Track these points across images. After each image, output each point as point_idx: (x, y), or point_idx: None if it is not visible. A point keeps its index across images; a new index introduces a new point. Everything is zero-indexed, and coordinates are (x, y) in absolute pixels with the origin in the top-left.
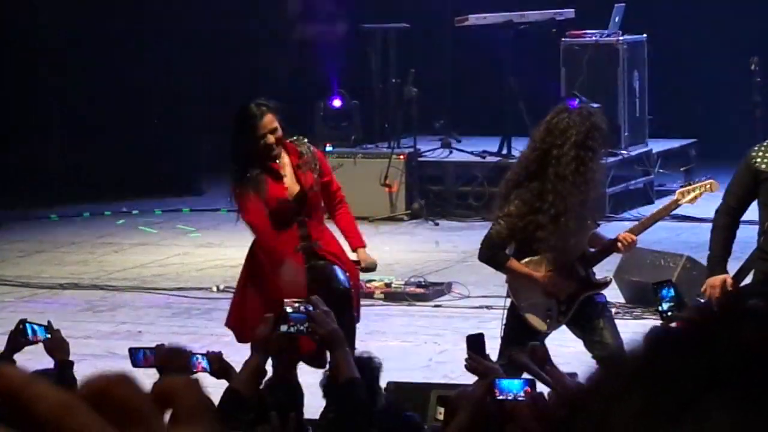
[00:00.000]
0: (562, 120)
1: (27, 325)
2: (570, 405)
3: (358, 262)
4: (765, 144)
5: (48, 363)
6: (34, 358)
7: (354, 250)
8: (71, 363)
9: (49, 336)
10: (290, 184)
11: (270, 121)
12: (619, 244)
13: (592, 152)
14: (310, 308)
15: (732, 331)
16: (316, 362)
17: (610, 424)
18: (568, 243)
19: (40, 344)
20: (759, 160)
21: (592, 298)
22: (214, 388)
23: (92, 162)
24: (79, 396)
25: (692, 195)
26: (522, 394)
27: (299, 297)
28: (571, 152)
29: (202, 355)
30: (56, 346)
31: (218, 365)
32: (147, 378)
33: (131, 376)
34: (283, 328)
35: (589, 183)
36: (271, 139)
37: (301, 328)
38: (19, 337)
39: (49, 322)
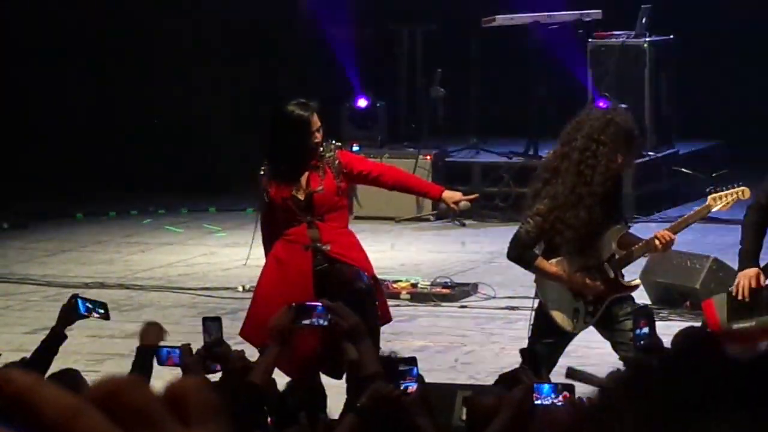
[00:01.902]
0: (581, 116)
1: (78, 300)
2: (583, 405)
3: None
4: None
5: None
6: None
7: (439, 198)
8: (155, 348)
9: (103, 312)
10: (302, 185)
11: (316, 119)
12: (657, 242)
13: (602, 146)
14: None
15: (723, 353)
16: (333, 373)
17: (618, 426)
18: (580, 235)
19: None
20: None
21: (621, 299)
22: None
23: (118, 161)
24: (88, 399)
25: (724, 202)
26: (561, 399)
27: (305, 299)
28: (581, 146)
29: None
30: (148, 331)
31: (241, 363)
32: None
33: (142, 379)
34: (305, 321)
35: (598, 176)
36: (318, 137)
37: (322, 321)
38: (71, 312)
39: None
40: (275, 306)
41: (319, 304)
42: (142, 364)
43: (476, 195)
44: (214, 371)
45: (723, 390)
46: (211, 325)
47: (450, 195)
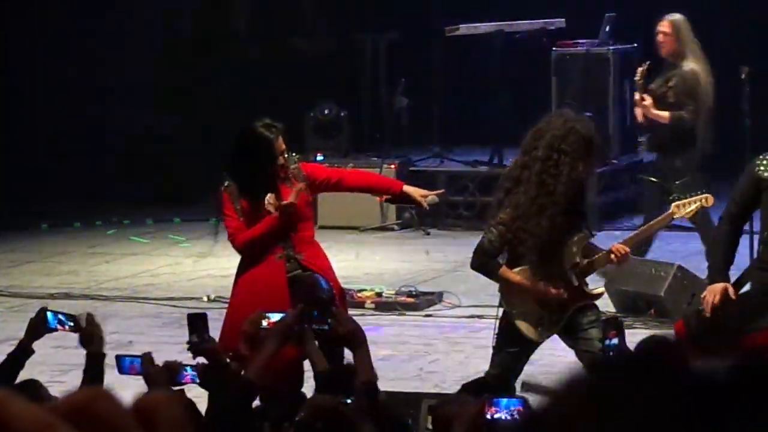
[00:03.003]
0: (542, 124)
1: (48, 313)
2: (532, 414)
3: (413, 201)
4: None
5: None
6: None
7: (401, 192)
8: (103, 356)
9: (72, 324)
10: (273, 198)
11: (281, 143)
12: (613, 256)
13: (564, 155)
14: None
15: (681, 360)
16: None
17: None
18: (541, 243)
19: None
20: (762, 168)
21: (585, 307)
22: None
23: (82, 172)
24: (58, 412)
25: (688, 209)
26: (516, 411)
27: (282, 308)
28: (543, 155)
29: (191, 366)
30: (89, 338)
31: (207, 376)
32: (138, 387)
33: (112, 392)
34: (306, 324)
35: (560, 186)
36: (282, 160)
37: (323, 326)
38: (40, 325)
39: (89, 314)
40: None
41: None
42: (94, 371)
43: (443, 190)
44: (181, 383)
45: (677, 403)
46: (196, 321)
47: (413, 189)
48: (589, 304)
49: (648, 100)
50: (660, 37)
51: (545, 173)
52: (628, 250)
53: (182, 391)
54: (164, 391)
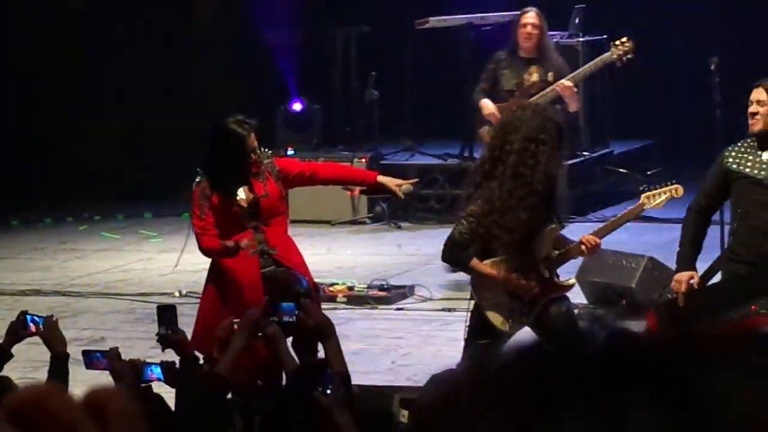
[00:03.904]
0: (515, 117)
1: (27, 316)
2: (426, 416)
3: (387, 190)
4: (738, 144)
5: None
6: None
7: (375, 182)
8: (67, 355)
9: (42, 327)
10: (245, 192)
11: (253, 140)
12: (583, 247)
13: (542, 145)
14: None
15: (581, 343)
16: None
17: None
18: (520, 238)
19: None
20: (731, 160)
21: (556, 299)
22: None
23: (53, 168)
24: (4, 410)
25: (658, 200)
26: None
27: (256, 303)
28: (519, 147)
29: (156, 364)
30: (52, 337)
31: (173, 374)
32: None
33: (61, 388)
34: (274, 318)
35: (538, 175)
36: (254, 157)
37: (290, 318)
38: (20, 329)
39: (52, 316)
40: (224, 313)
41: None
42: (58, 371)
43: (417, 180)
44: (147, 381)
45: (581, 381)
46: (166, 312)
47: (388, 179)
48: (560, 296)
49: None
50: (529, 29)
51: (522, 165)
52: (598, 241)
53: (149, 387)
54: (129, 384)
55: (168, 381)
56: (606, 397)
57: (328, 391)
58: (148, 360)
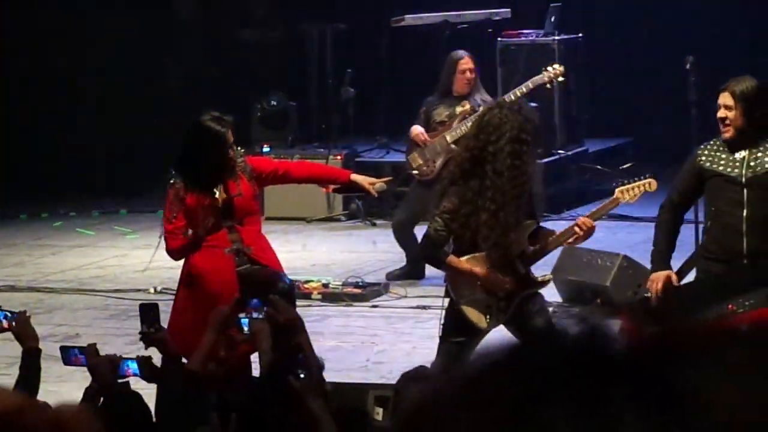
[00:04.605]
0: (495, 116)
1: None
2: (408, 418)
3: (361, 189)
4: (711, 142)
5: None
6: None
7: (349, 181)
8: (39, 351)
9: (14, 323)
10: (219, 191)
11: (230, 135)
12: (577, 228)
13: (526, 145)
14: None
15: (563, 345)
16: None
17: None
18: (508, 238)
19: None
20: (704, 158)
21: (531, 297)
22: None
23: (28, 164)
24: None
25: (632, 194)
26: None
27: (232, 302)
28: (507, 147)
29: (132, 359)
30: (23, 333)
31: (149, 369)
32: (87, 379)
33: (28, 405)
34: (241, 314)
35: (525, 176)
36: (232, 153)
37: (258, 315)
38: None
39: (26, 312)
40: (199, 312)
41: (256, 299)
42: (30, 367)
43: (390, 178)
44: (123, 376)
45: (564, 382)
46: (148, 311)
47: (361, 177)
48: (534, 293)
49: None
50: (468, 75)
51: (512, 165)
52: (593, 224)
53: (127, 383)
54: (107, 381)
55: (144, 376)
56: (590, 395)
57: (302, 376)
58: (124, 356)
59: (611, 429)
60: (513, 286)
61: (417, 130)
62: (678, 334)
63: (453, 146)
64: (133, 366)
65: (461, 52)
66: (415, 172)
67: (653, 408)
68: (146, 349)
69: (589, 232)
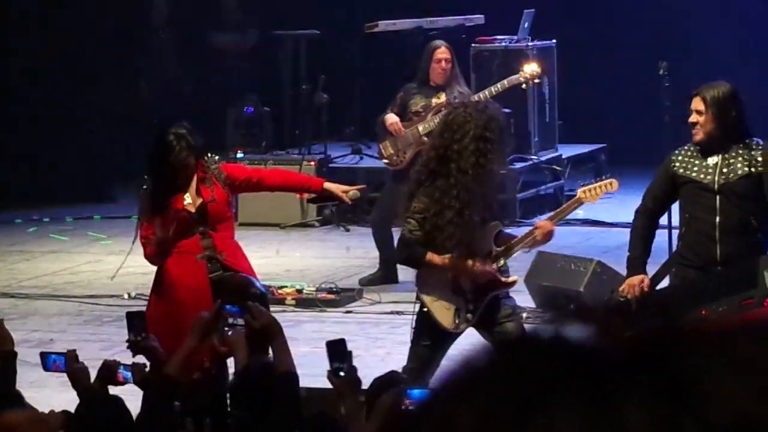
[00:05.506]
0: (459, 115)
1: None
2: (416, 409)
3: (335, 197)
4: (685, 148)
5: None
6: None
7: (322, 189)
8: (14, 354)
9: None
10: (192, 197)
11: (181, 152)
12: (538, 231)
13: (491, 144)
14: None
15: (575, 334)
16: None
17: (454, 428)
18: (473, 237)
19: None
20: (678, 164)
21: (502, 301)
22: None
23: (0, 170)
24: None
25: (593, 194)
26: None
27: (204, 309)
28: (470, 145)
29: (125, 365)
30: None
31: (141, 376)
32: (62, 385)
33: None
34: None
35: (490, 174)
36: (186, 162)
37: (235, 321)
38: None
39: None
40: (171, 318)
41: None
42: (6, 370)
43: (364, 186)
44: (120, 382)
45: (574, 373)
46: (135, 319)
47: (334, 186)
48: (505, 296)
49: None
50: (443, 65)
51: (476, 164)
52: (553, 227)
53: (107, 388)
54: (86, 386)
55: (137, 383)
56: (597, 392)
57: (341, 373)
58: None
59: (617, 419)
60: (481, 287)
61: (392, 119)
62: (682, 328)
63: (425, 138)
64: (125, 372)
65: (439, 42)
66: (385, 160)
67: (660, 399)
68: (134, 357)
69: (548, 235)
